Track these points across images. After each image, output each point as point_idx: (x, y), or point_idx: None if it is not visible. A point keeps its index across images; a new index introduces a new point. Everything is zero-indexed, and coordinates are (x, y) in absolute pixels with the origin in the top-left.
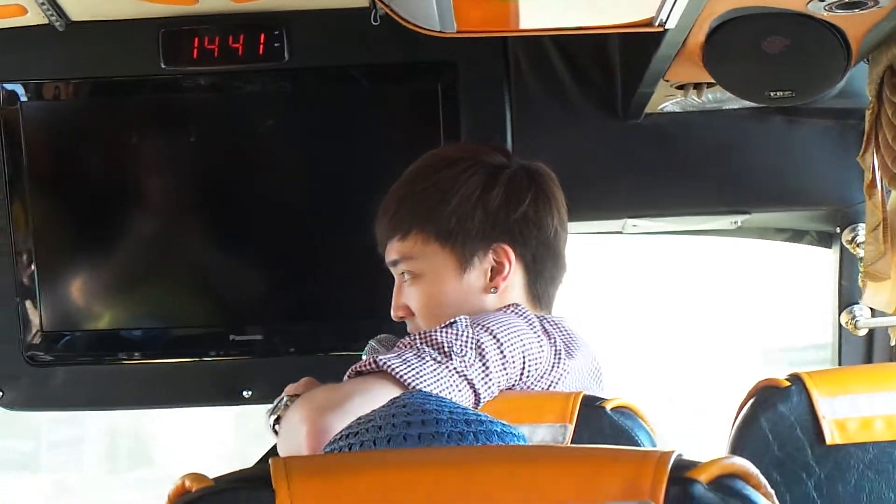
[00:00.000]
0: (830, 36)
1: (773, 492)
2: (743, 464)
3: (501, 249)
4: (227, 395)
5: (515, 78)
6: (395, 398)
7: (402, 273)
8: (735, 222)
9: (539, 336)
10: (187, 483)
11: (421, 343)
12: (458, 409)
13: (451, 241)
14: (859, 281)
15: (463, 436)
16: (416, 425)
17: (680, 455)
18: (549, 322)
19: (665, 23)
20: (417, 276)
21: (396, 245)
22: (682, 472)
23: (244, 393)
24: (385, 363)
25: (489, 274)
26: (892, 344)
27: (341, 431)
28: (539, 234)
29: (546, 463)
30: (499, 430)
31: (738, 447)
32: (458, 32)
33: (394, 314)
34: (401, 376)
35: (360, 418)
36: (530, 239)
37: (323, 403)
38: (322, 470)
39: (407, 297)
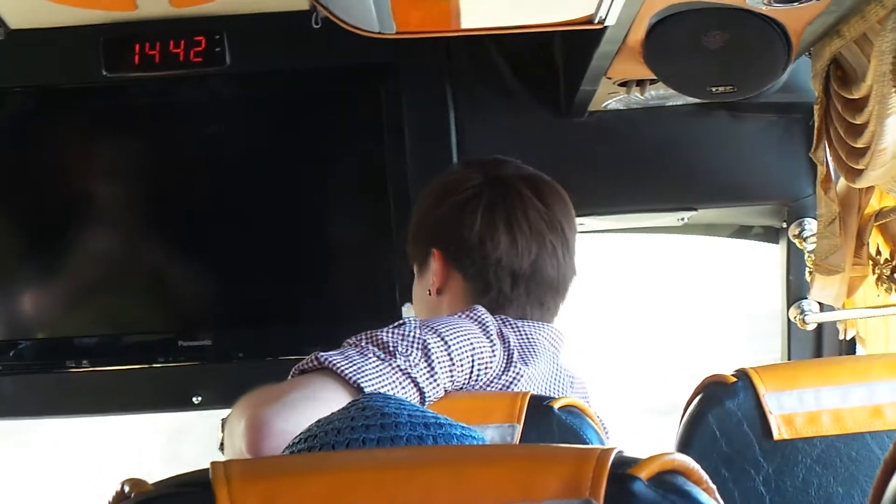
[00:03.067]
0: (770, 30)
1: (714, 487)
2: (684, 460)
3: (435, 251)
4: (177, 401)
5: (458, 78)
6: (354, 401)
7: None
8: (682, 219)
9: (492, 340)
10: (126, 488)
11: (366, 342)
12: (417, 413)
13: (411, 250)
14: (807, 275)
15: (422, 439)
16: (375, 429)
17: (621, 452)
18: (508, 325)
19: (604, 20)
20: None
21: None
22: (622, 469)
23: (194, 399)
24: (326, 359)
25: (433, 278)
26: (841, 338)
27: (300, 435)
28: (460, 235)
29: (487, 463)
30: (458, 433)
31: (685, 444)
32: (397, 34)
33: None
34: (342, 371)
35: (318, 421)
36: (451, 240)
37: (262, 398)
38: (262, 473)
39: None
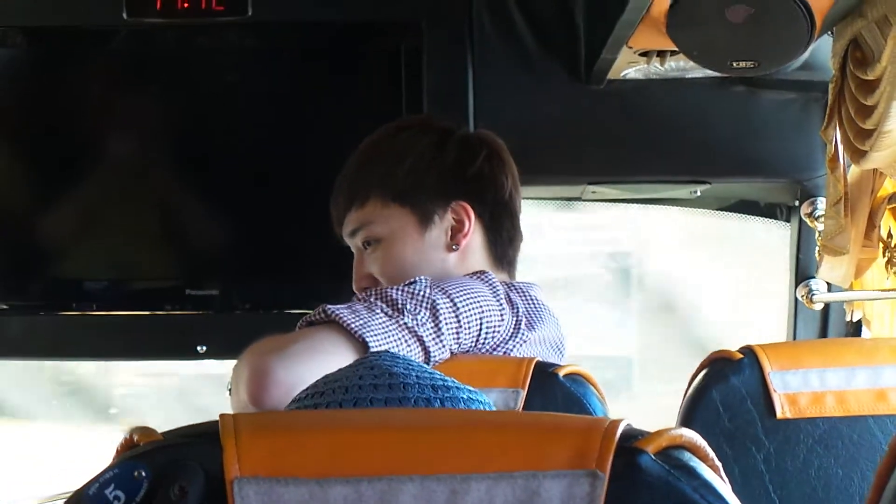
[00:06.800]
0: (795, 7)
1: (720, 465)
2: (691, 436)
3: (460, 207)
4: (181, 349)
5: (479, 40)
6: (361, 358)
7: (364, 242)
8: (694, 192)
9: (502, 304)
10: (135, 437)
11: (374, 299)
12: (425, 374)
13: (410, 201)
14: (816, 255)
15: (429, 401)
16: (383, 389)
17: (629, 424)
18: (515, 290)
19: None
20: (379, 240)
21: (354, 215)
22: (629, 442)
23: (199, 348)
24: (333, 312)
25: (450, 232)
26: (848, 319)
27: (306, 390)
28: (495, 193)
29: (495, 429)
30: (465, 396)
31: (689, 418)
32: None
33: (356, 286)
34: (348, 325)
35: (326, 377)
36: (487, 197)
37: (266, 348)
38: (271, 427)
39: (369, 265)
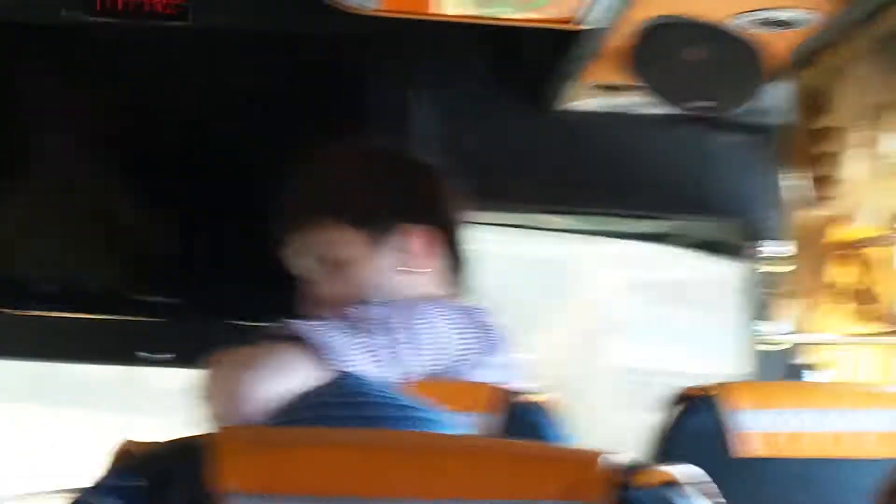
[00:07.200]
0: (753, 52)
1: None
2: (685, 471)
3: (414, 230)
4: (124, 355)
5: (429, 62)
6: (326, 379)
7: (316, 265)
8: (643, 227)
9: (458, 328)
10: (127, 447)
11: (338, 317)
12: (389, 395)
13: (364, 224)
14: (767, 296)
15: (396, 421)
16: (349, 408)
17: (624, 458)
18: (469, 313)
19: (586, 22)
20: (332, 264)
21: (304, 237)
22: (626, 476)
23: (142, 354)
24: (297, 329)
25: (403, 255)
26: (797, 361)
27: (275, 409)
28: (448, 218)
29: (491, 456)
30: (429, 417)
31: (658, 452)
32: (377, 10)
33: (306, 308)
34: (313, 343)
35: (292, 396)
36: (439, 221)
37: (234, 363)
38: (263, 443)
39: (319, 287)
